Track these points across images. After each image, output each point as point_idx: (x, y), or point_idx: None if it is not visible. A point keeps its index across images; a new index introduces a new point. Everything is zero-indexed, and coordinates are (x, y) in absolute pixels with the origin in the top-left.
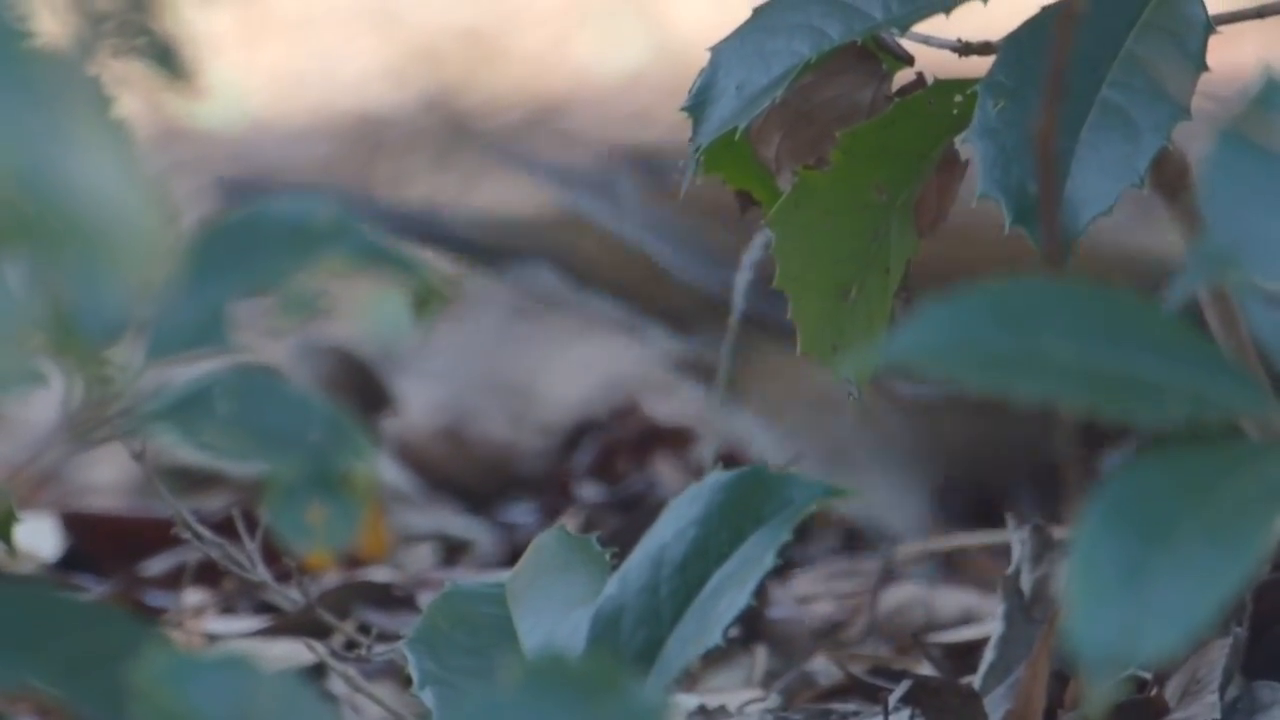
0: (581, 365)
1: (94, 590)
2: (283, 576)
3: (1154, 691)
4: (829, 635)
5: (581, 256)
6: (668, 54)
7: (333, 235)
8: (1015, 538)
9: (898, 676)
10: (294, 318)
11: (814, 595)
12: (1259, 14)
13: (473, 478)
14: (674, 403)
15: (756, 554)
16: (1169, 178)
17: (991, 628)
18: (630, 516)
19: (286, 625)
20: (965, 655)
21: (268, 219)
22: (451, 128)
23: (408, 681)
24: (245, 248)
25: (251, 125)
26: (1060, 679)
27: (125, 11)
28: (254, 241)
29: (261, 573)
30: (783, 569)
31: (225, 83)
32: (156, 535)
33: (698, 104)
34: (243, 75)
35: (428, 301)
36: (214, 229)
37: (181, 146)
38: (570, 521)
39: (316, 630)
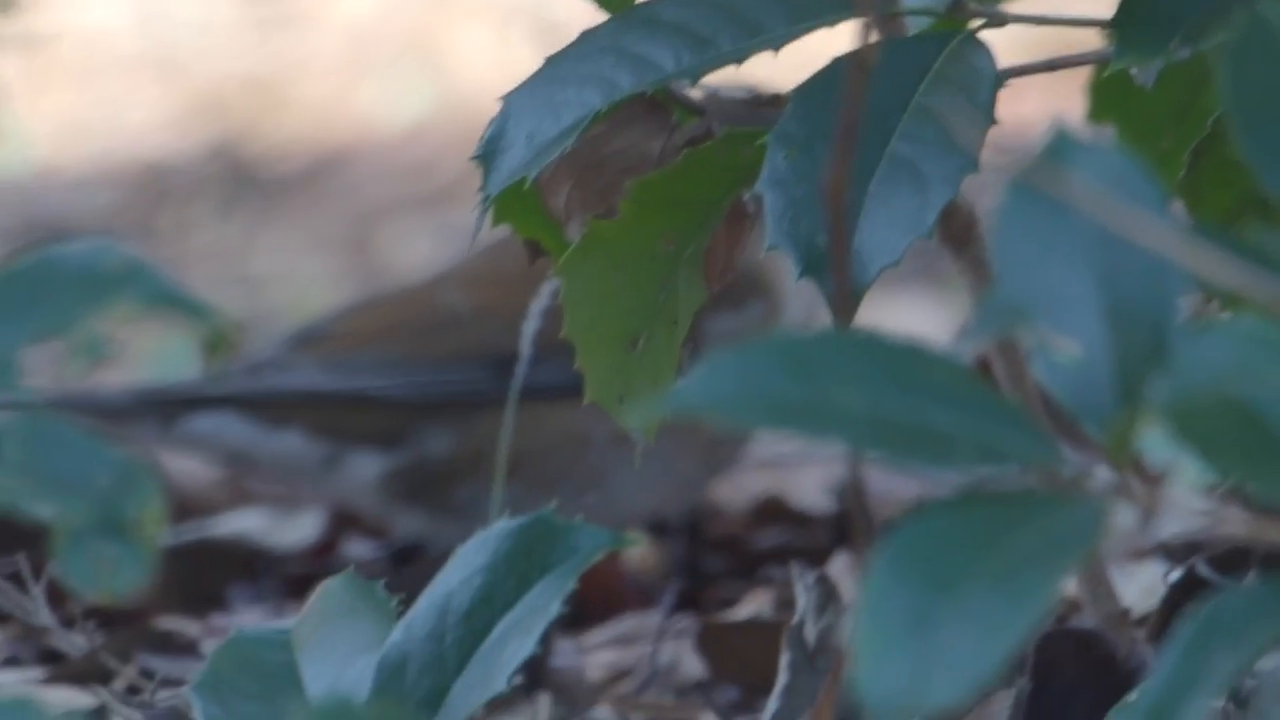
0: None
1: None
2: (68, 622)
3: None
4: (611, 684)
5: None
6: (451, 105)
7: (123, 280)
8: (800, 587)
9: None
10: (84, 363)
11: (597, 644)
12: (1049, 67)
13: None
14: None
15: (542, 602)
16: (957, 230)
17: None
18: (413, 566)
19: (70, 671)
20: (750, 708)
21: (58, 264)
22: (235, 176)
23: None
24: (35, 293)
25: (37, 173)
26: None
27: None
28: (44, 287)
29: (46, 618)
30: (573, 624)
31: (10, 130)
32: None
33: (488, 153)
34: (28, 123)
35: (216, 346)
36: (2, 274)
37: None
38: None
39: (100, 677)
